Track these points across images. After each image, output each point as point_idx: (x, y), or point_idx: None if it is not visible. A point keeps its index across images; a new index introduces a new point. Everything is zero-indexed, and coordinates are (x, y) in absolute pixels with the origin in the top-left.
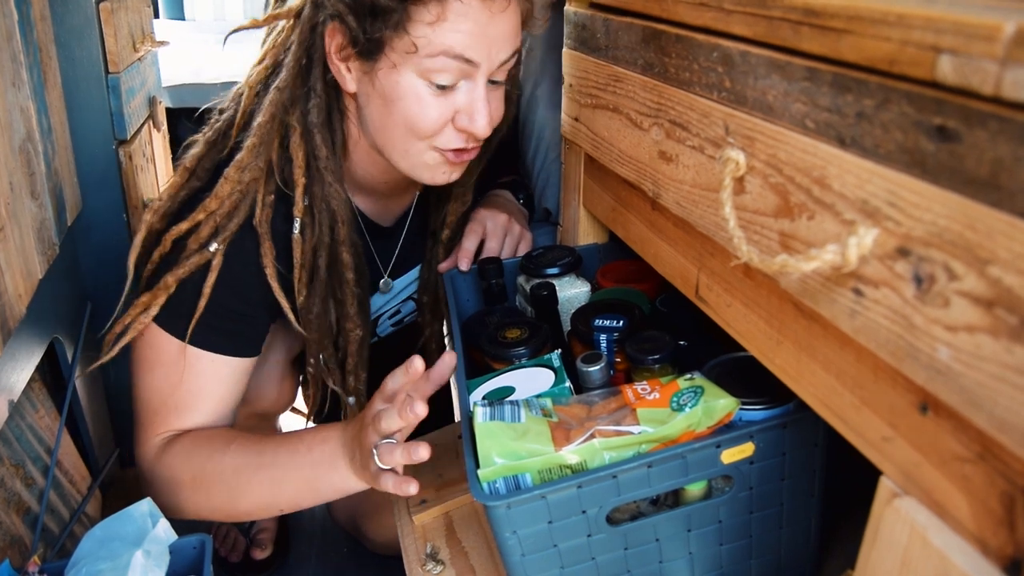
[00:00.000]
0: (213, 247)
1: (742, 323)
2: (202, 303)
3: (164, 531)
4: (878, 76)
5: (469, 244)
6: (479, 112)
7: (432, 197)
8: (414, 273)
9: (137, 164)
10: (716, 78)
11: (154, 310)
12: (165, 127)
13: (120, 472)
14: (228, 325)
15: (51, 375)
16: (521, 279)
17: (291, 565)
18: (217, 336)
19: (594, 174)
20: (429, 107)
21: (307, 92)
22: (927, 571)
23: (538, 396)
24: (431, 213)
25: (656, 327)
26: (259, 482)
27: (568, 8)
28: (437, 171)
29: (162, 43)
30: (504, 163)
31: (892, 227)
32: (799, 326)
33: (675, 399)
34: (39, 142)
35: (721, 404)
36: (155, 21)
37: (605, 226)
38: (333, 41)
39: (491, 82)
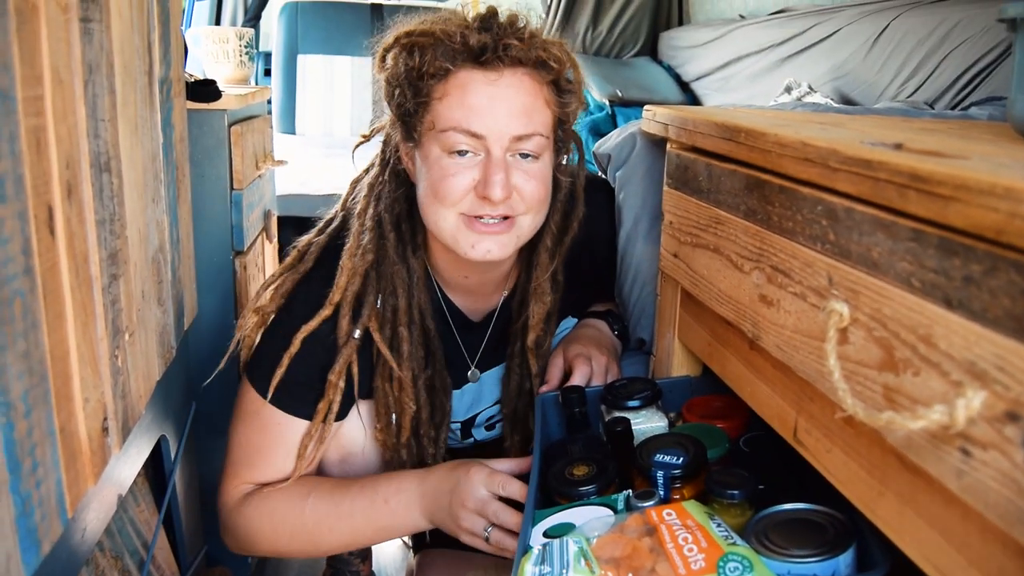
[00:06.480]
0: (357, 334)
1: (842, 470)
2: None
3: None
4: (985, 244)
5: (579, 379)
6: (492, 178)
7: (515, 298)
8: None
9: (250, 274)
10: (820, 230)
11: (332, 415)
12: (276, 238)
13: (206, 570)
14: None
15: (152, 469)
16: (603, 408)
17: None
18: (299, 403)
19: (690, 309)
20: (449, 175)
21: (387, 185)
22: None
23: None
24: (513, 315)
25: (739, 467)
26: (339, 531)
27: (670, 150)
28: (466, 239)
29: (280, 162)
30: (600, 293)
31: (1000, 391)
32: (903, 479)
33: (722, 567)
34: (168, 252)
35: None
36: None
37: (699, 359)
38: (397, 134)
39: (521, 155)
